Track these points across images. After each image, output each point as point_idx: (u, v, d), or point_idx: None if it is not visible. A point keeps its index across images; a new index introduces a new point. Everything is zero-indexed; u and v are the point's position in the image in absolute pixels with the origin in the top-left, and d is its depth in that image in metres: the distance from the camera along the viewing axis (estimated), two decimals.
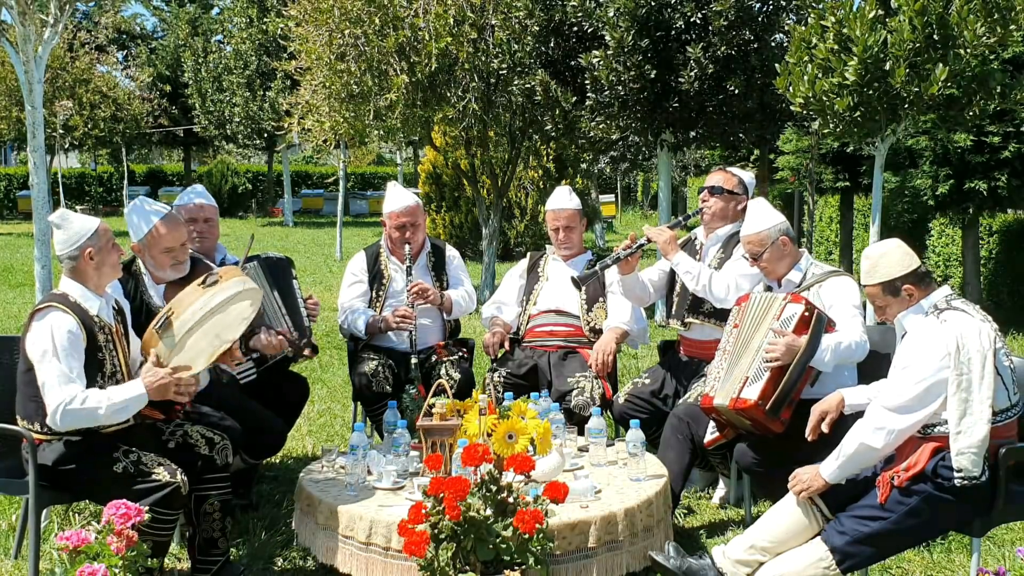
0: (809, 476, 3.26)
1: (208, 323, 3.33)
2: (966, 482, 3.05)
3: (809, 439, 3.51)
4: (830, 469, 3.20)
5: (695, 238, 4.62)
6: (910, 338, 3.21)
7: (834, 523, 3.23)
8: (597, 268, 4.41)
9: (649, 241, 4.37)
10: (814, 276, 4.00)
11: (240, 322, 3.46)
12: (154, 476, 3.26)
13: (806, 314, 3.73)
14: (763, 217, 4.03)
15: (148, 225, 3.75)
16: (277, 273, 4.63)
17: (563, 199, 4.91)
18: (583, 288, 4.62)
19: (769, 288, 4.12)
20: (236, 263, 4.38)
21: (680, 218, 4.70)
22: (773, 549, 3.34)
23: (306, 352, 4.65)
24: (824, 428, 3.48)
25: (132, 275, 3.91)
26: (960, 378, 3.03)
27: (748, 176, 4.54)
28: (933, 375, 3.06)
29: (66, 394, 3.17)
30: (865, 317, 3.93)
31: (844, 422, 3.56)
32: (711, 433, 4.01)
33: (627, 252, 4.32)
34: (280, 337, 4.28)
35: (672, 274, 4.54)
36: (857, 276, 3.69)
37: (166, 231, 3.75)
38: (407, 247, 4.81)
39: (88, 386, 3.25)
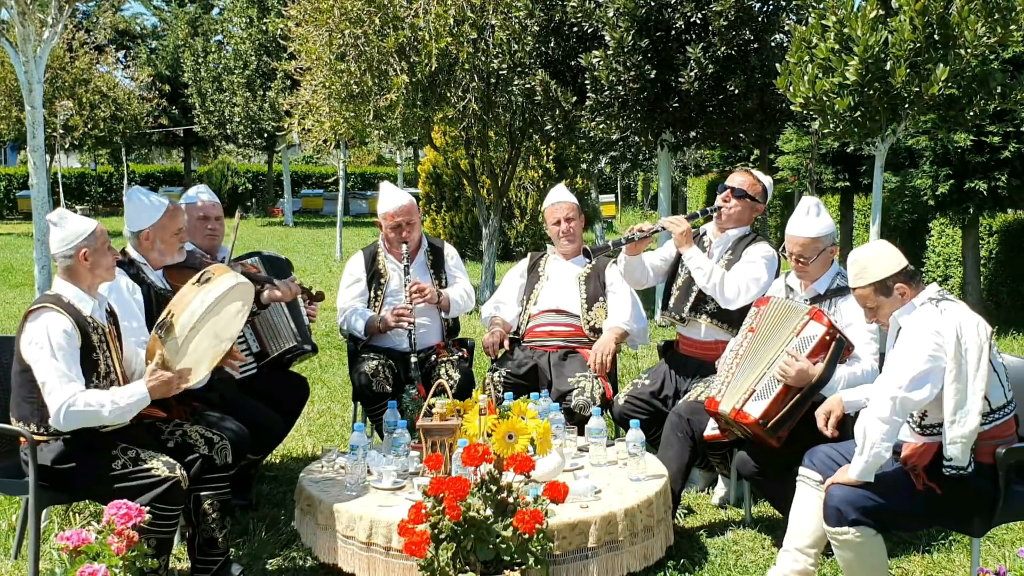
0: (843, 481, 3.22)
1: (207, 323, 3.34)
2: (954, 472, 3.07)
3: (830, 436, 3.48)
4: (857, 469, 3.14)
5: (704, 234, 4.58)
6: (909, 327, 3.16)
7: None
8: (611, 244, 4.44)
9: (663, 229, 4.38)
10: (839, 287, 3.89)
11: (236, 319, 3.47)
12: (153, 471, 3.26)
13: (826, 338, 3.63)
14: (822, 221, 3.90)
15: (158, 212, 3.93)
16: (278, 270, 4.64)
17: (561, 193, 4.96)
18: (593, 258, 4.66)
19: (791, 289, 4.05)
20: (223, 259, 4.41)
21: (698, 211, 4.63)
22: (818, 544, 3.38)
23: (307, 348, 4.67)
24: (831, 428, 3.46)
25: (131, 264, 3.94)
26: (957, 368, 3.03)
27: (769, 181, 4.50)
28: (933, 359, 3.04)
29: (68, 394, 3.17)
30: (879, 343, 3.78)
31: (846, 420, 3.57)
32: (712, 428, 4.00)
33: (641, 235, 4.35)
34: (294, 284, 4.39)
35: (674, 266, 4.53)
36: None
37: (175, 216, 3.99)
38: (404, 246, 4.81)
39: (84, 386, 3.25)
